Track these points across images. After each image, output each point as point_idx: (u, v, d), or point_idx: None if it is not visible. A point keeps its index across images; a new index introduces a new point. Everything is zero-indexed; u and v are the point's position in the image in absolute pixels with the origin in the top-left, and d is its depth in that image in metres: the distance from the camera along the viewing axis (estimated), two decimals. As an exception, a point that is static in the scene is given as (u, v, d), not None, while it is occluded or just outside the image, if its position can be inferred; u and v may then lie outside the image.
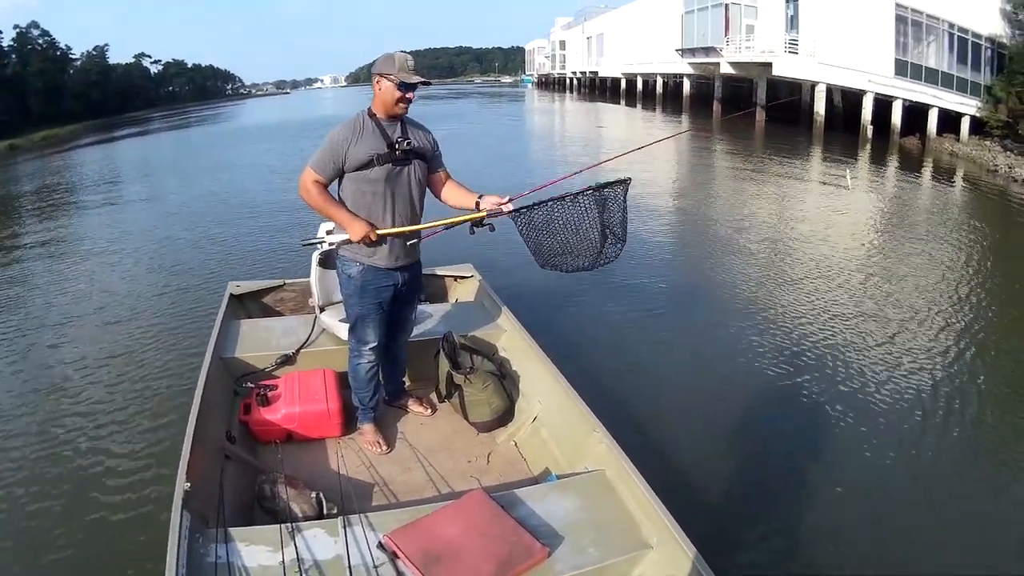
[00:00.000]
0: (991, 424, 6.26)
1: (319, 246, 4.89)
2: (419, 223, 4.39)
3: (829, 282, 9.93)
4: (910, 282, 9.96)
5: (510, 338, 5.56)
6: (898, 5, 28.49)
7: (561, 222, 4.08)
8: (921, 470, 5.45)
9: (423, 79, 4.16)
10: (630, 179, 4.18)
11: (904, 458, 5.59)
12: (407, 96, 4.14)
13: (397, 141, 4.19)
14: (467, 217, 4.28)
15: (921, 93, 27.93)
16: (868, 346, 7.65)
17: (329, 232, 5.84)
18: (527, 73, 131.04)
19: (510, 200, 4.28)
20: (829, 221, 13.90)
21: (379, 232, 4.16)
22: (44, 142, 61.11)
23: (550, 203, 4.07)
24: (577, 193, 4.03)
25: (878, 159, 24.44)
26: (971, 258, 11.42)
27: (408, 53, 4.16)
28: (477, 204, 4.35)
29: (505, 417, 4.85)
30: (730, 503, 4.97)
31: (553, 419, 4.60)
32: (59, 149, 48.81)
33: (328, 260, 5.56)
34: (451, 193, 4.51)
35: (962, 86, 27.89)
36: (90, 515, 5.06)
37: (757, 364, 7.22)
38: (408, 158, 4.25)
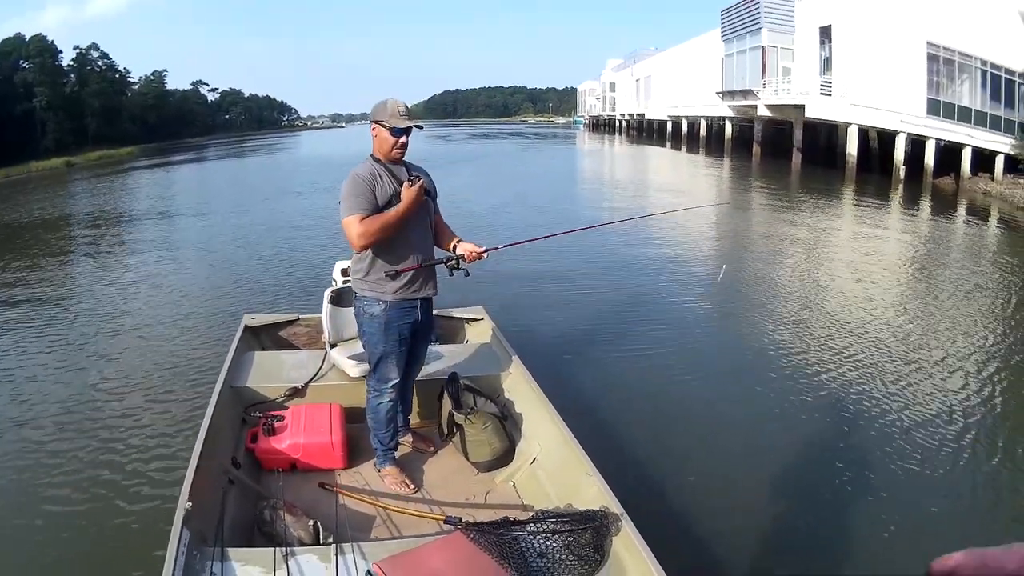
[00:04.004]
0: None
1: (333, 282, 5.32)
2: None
3: (853, 329, 9.74)
4: (939, 329, 9.82)
5: (515, 381, 5.66)
6: (930, 44, 28.26)
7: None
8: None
9: (414, 123, 4.40)
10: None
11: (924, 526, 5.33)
12: (401, 141, 4.38)
13: (410, 179, 4.39)
14: (445, 259, 4.63)
15: (954, 132, 27.60)
16: (889, 398, 7.38)
17: (344, 271, 6.13)
18: (579, 114, 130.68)
19: (486, 250, 4.62)
20: (856, 267, 13.71)
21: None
22: (99, 161, 63.66)
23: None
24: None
25: (911, 201, 24.15)
26: (998, 301, 11.31)
27: (403, 101, 4.40)
28: (454, 247, 4.67)
29: (505, 458, 4.94)
30: (716, 557, 4.94)
31: (551, 462, 4.68)
32: (114, 170, 50.83)
33: (341, 298, 5.80)
34: (438, 233, 4.78)
35: (996, 124, 27.49)
36: (91, 523, 5.30)
37: (766, 421, 7.03)
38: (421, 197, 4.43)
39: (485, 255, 4.64)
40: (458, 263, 4.59)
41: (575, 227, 6.37)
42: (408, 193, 4.30)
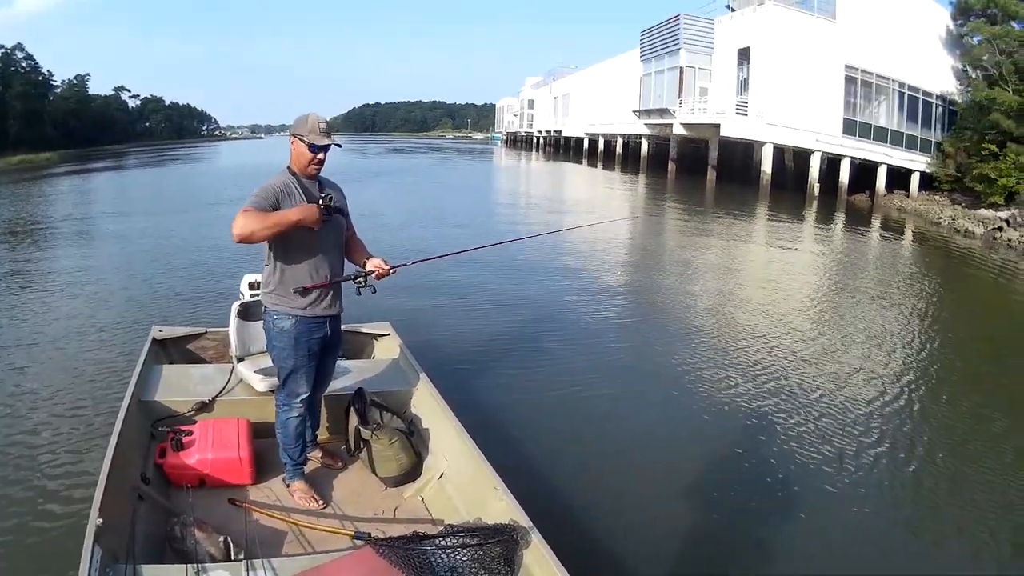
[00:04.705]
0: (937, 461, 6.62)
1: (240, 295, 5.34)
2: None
3: (760, 338, 10.16)
4: (844, 338, 10.25)
5: (421, 396, 5.70)
6: (848, 67, 29.45)
7: None
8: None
9: (333, 142, 4.45)
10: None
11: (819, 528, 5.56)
12: (318, 157, 4.42)
13: (321, 198, 4.39)
14: (354, 275, 4.62)
15: (870, 151, 28.85)
16: (800, 407, 7.66)
17: (251, 285, 6.00)
18: (496, 130, 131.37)
19: (394, 268, 4.68)
20: (764, 277, 14.26)
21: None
22: (19, 166, 61.16)
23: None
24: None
25: (825, 216, 25.18)
26: (904, 310, 11.99)
27: (324, 117, 4.44)
28: (364, 263, 4.70)
29: (412, 473, 4.97)
30: (626, 567, 4.98)
31: (458, 476, 4.74)
32: (34, 176, 48.91)
33: (248, 312, 5.72)
34: (351, 250, 4.82)
35: (912, 143, 29.00)
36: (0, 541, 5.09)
37: (673, 431, 7.21)
38: (331, 214, 4.43)
39: (394, 272, 4.68)
40: (366, 280, 4.62)
41: (485, 243, 6.37)
42: (305, 206, 4.30)
